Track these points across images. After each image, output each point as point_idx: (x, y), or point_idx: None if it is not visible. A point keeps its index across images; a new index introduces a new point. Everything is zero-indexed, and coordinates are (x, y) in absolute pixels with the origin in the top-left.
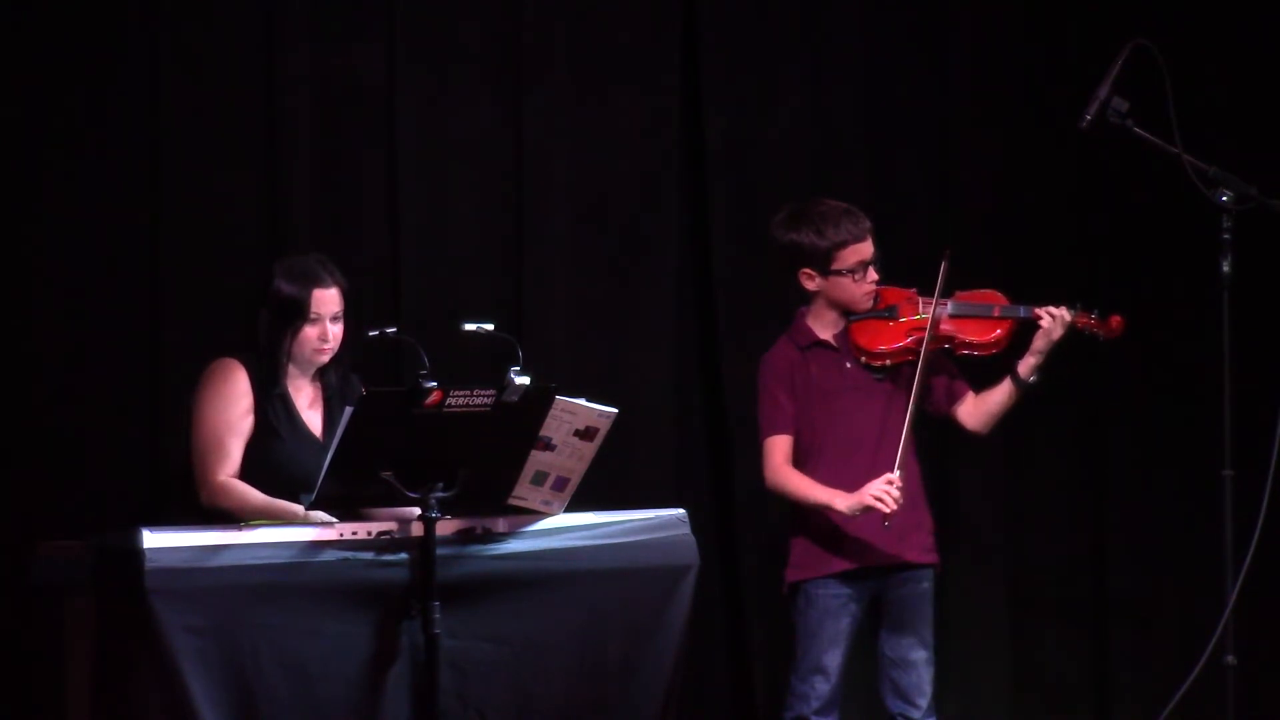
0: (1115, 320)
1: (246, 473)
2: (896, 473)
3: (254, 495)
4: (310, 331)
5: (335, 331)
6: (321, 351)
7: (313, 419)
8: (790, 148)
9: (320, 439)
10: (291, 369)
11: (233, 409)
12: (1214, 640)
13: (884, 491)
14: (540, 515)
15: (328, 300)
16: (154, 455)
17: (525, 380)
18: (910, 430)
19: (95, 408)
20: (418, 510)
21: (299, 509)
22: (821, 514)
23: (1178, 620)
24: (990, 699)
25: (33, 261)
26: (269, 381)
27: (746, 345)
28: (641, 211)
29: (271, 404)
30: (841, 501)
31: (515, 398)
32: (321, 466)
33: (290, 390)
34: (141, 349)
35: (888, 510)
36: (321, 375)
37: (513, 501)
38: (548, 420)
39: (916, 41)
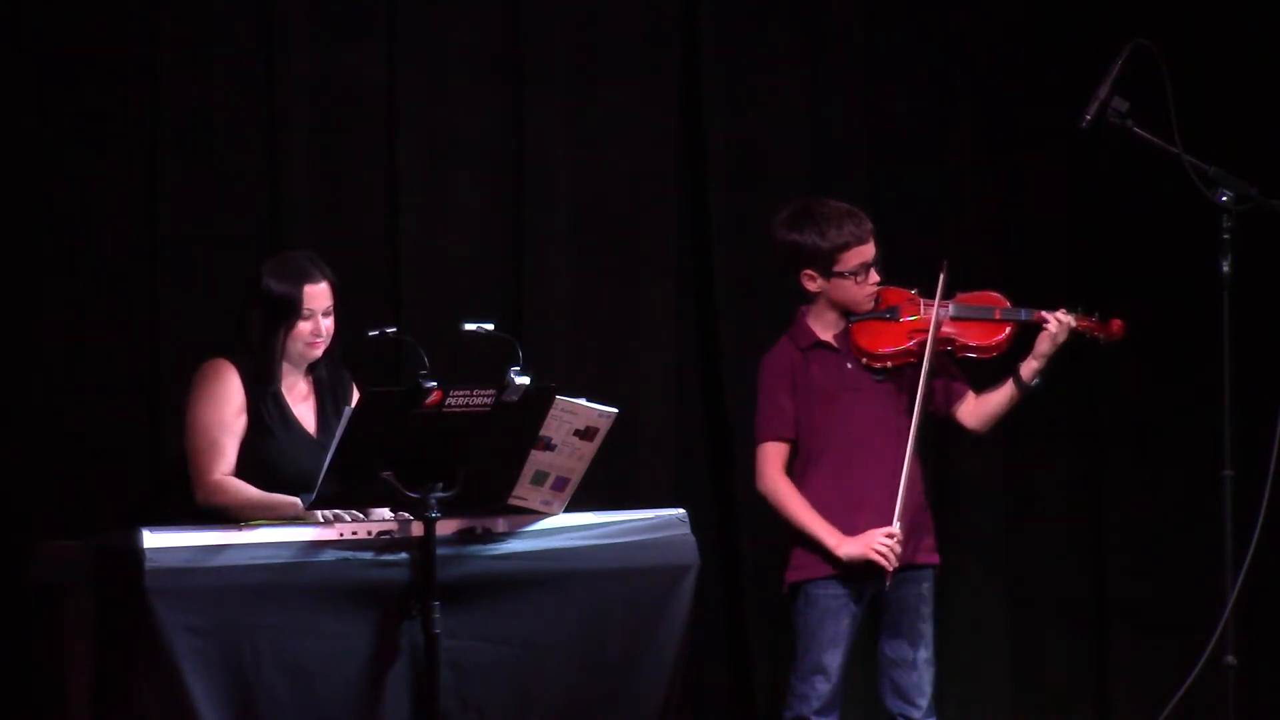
0: (1116, 324)
1: (242, 472)
2: (896, 525)
3: (250, 491)
4: (303, 327)
5: (327, 326)
6: (314, 346)
7: (305, 414)
8: (790, 149)
9: (315, 435)
10: (284, 365)
11: (225, 408)
12: (1214, 640)
13: (885, 548)
14: (540, 515)
15: (318, 295)
16: (154, 455)
17: (525, 380)
18: (915, 437)
19: (95, 408)
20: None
21: (297, 500)
22: (821, 513)
23: (1178, 620)
24: (990, 699)
25: (33, 262)
26: (262, 380)
27: (746, 345)
28: (641, 212)
29: (265, 403)
30: (842, 549)
31: (515, 398)
32: (315, 462)
33: (283, 387)
34: (141, 349)
35: (890, 567)
36: (312, 370)
37: (513, 501)
38: (548, 420)
39: (916, 42)
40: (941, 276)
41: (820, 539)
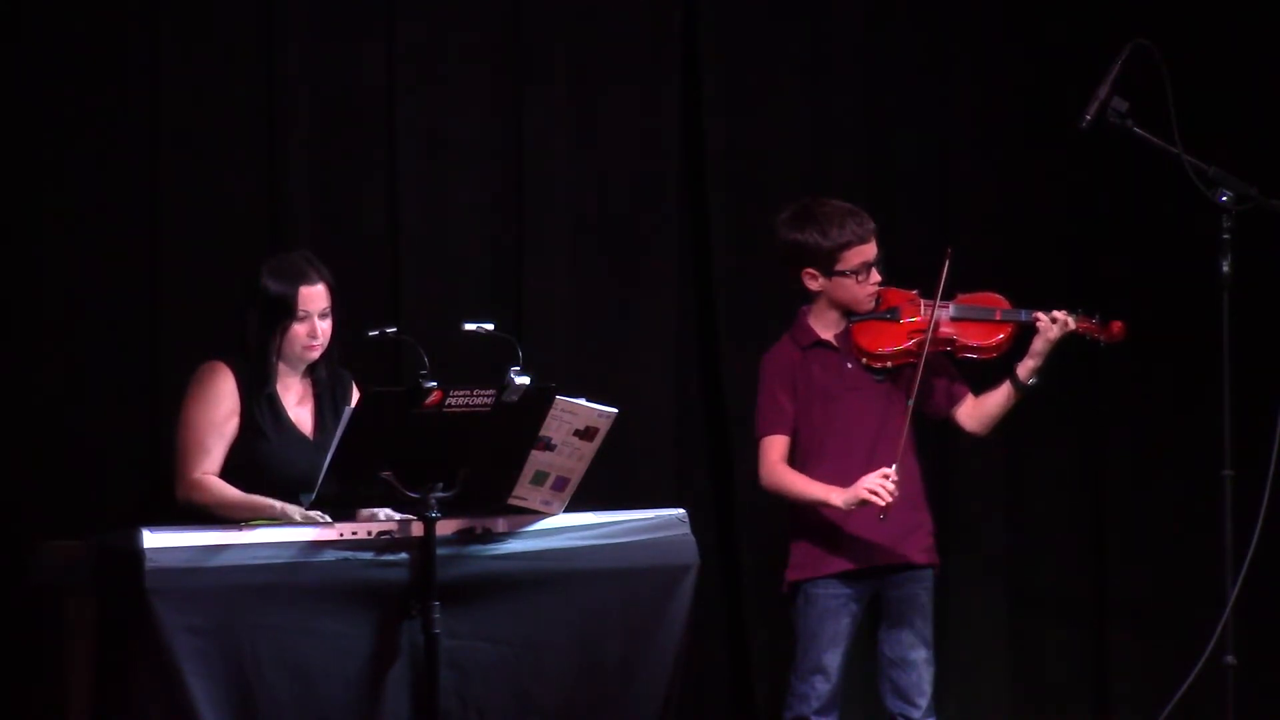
0: (1116, 326)
1: (234, 474)
2: (893, 467)
3: (229, 490)
4: (299, 329)
5: (324, 328)
6: (311, 349)
7: (302, 416)
8: (790, 149)
9: (310, 436)
10: (281, 367)
11: (216, 411)
12: (1214, 640)
13: (879, 485)
14: (540, 515)
15: (315, 297)
16: (154, 455)
17: (525, 380)
18: (910, 428)
19: (95, 408)
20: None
21: (274, 502)
22: (822, 513)
23: (1178, 620)
24: (990, 699)
25: (33, 261)
26: (257, 382)
27: (746, 345)
28: (641, 212)
29: (258, 405)
30: (837, 497)
31: (515, 398)
32: (311, 463)
33: (279, 388)
34: (141, 349)
35: (882, 504)
36: (312, 371)
37: (513, 501)
38: (548, 420)
39: (916, 42)
40: (946, 264)
41: (819, 498)
